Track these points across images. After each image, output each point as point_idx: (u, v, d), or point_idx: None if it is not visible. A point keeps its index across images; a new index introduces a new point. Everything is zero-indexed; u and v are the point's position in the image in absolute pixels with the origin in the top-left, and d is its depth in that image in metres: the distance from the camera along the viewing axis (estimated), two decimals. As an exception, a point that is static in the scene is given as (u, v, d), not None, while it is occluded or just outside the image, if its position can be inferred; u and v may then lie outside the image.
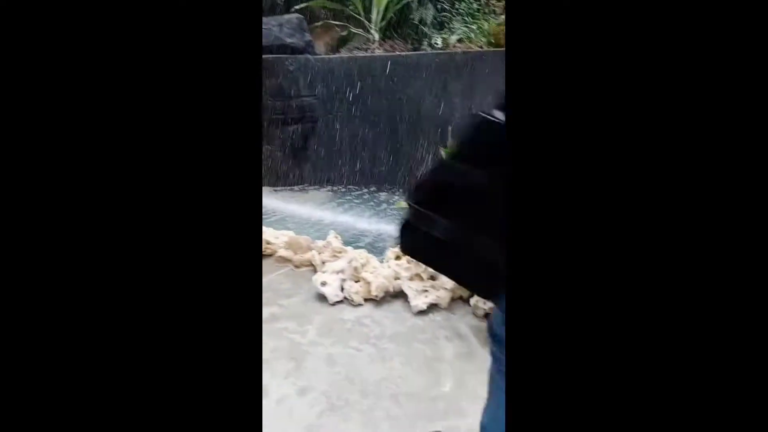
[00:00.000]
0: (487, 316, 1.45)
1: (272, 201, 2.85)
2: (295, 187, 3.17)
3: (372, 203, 2.77)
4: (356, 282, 1.57)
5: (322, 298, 1.54)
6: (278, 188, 3.15)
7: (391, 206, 2.59)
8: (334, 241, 1.78)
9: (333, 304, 1.52)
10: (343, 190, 3.04)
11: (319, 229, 2.19)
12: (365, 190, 3.00)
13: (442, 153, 1.69)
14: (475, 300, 1.47)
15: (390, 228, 2.29)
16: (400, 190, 2.84)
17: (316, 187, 3.16)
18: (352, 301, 1.52)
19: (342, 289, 1.56)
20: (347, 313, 1.49)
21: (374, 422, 1.06)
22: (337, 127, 2.99)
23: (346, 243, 1.95)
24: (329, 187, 3.10)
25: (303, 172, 3.19)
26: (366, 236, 2.25)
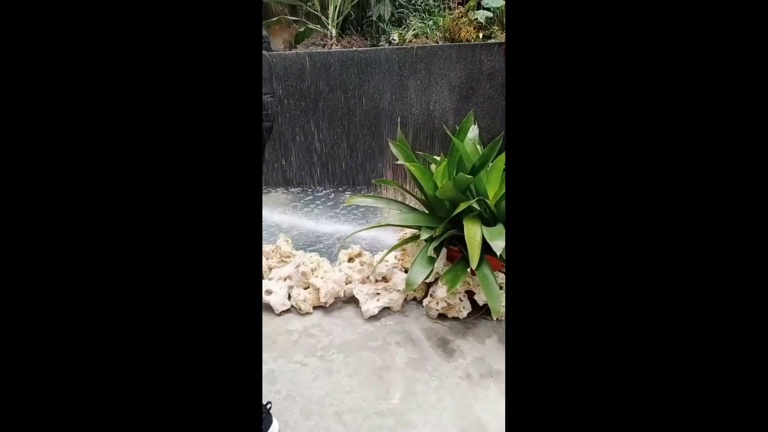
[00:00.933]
0: (440, 316, 1.38)
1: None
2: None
3: (333, 203, 2.68)
4: (305, 288, 1.47)
5: (267, 308, 1.43)
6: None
7: (343, 205, 2.50)
8: (283, 245, 1.66)
9: (279, 314, 1.41)
10: (309, 190, 2.93)
11: (273, 234, 2.08)
12: (330, 190, 2.90)
13: (392, 146, 1.61)
14: (427, 300, 1.40)
15: (344, 228, 2.20)
16: (365, 189, 2.76)
17: (279, 189, 3.03)
18: (300, 309, 1.42)
19: (289, 297, 1.46)
20: (294, 323, 1.39)
21: (315, 444, 0.97)
22: (296, 125, 2.88)
23: (302, 246, 1.85)
24: (299, 188, 2.98)
25: (264, 174, 3.04)
26: (324, 238, 2.15)
